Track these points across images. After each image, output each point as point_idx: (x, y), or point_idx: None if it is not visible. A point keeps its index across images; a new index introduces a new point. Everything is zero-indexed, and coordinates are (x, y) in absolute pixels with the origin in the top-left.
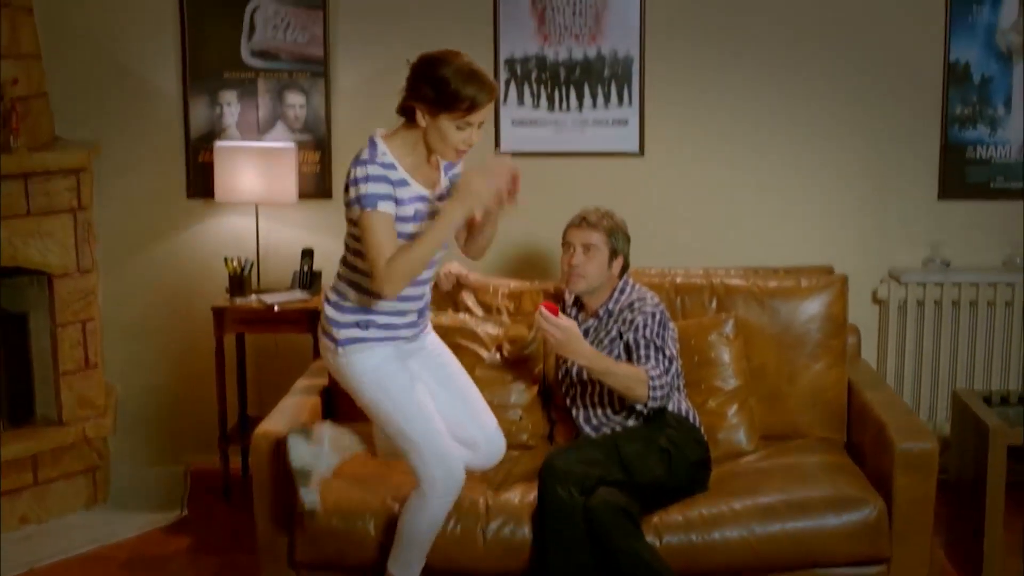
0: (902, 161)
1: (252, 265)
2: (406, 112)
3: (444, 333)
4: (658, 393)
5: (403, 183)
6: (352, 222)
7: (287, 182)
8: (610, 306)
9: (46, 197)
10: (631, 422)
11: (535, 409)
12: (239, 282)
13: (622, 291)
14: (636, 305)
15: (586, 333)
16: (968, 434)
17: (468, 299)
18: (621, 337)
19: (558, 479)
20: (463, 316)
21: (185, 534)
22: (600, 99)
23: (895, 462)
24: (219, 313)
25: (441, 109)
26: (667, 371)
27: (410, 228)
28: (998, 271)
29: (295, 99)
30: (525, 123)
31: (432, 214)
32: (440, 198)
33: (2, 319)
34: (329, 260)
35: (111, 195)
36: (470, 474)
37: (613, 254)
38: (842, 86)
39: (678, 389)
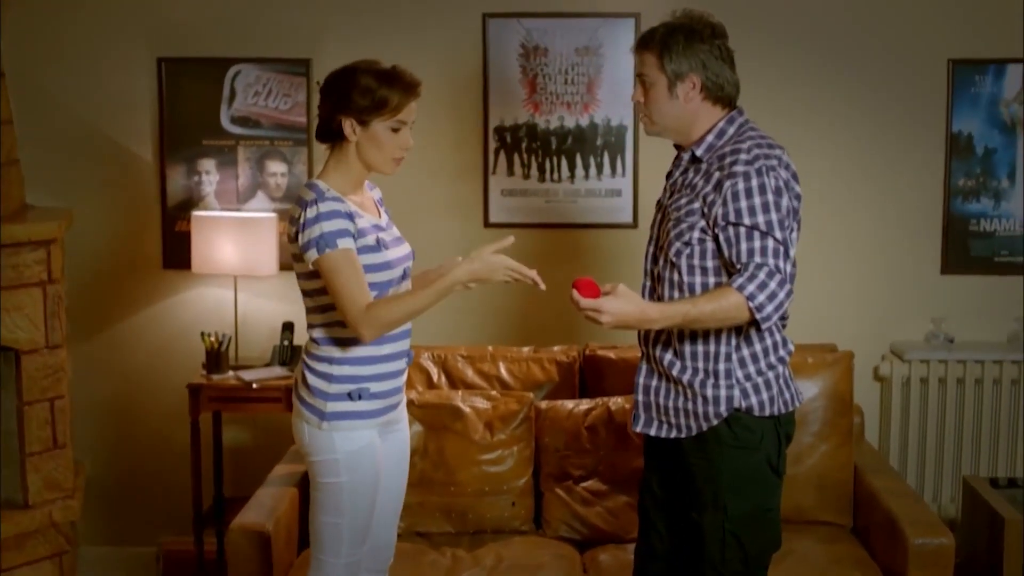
0: (904, 234)
1: (230, 340)
2: (329, 135)
3: (428, 413)
4: (769, 309)
5: (356, 214)
6: (308, 274)
7: (267, 253)
8: (698, 151)
9: (14, 270)
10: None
11: (527, 494)
12: (216, 358)
13: (721, 134)
14: (727, 160)
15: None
16: (980, 522)
17: (466, 369)
18: (703, 206)
19: None
20: (448, 392)
21: None
22: (592, 169)
23: (909, 558)
24: (195, 390)
25: (373, 114)
26: (775, 270)
27: (376, 258)
28: (1003, 348)
29: (276, 167)
30: (515, 193)
31: (391, 242)
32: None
33: None
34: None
35: (83, 266)
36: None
37: (676, 79)
38: (844, 157)
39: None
